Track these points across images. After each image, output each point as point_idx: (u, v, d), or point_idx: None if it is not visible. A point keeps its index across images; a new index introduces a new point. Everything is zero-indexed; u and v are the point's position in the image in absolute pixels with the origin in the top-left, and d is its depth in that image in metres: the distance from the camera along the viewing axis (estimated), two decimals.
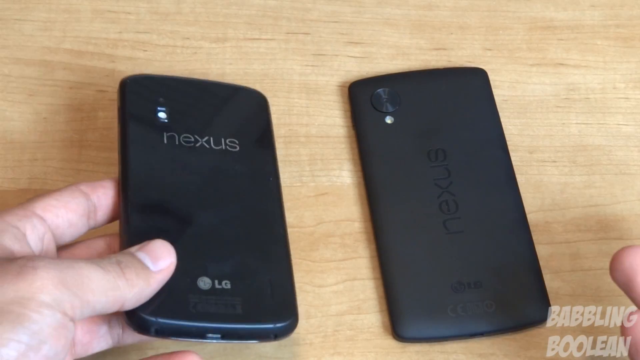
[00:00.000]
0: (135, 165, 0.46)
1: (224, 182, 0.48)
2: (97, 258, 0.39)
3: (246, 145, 0.49)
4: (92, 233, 0.45)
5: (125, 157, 0.47)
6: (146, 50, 0.56)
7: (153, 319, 0.41)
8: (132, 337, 0.43)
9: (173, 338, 0.42)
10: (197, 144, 0.48)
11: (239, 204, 0.47)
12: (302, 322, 0.47)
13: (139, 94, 0.49)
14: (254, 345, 0.46)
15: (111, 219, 0.45)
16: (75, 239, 0.43)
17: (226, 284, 0.43)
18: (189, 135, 0.48)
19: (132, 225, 0.44)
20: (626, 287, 0.41)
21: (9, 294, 0.34)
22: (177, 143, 0.48)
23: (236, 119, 0.51)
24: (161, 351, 0.45)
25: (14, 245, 0.38)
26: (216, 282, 0.43)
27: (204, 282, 0.43)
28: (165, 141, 0.48)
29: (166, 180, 0.46)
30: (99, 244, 0.44)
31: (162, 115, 0.49)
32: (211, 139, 0.49)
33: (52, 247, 0.41)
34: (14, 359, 0.33)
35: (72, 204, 0.42)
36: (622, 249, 0.41)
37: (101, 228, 0.45)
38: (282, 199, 0.48)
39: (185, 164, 0.47)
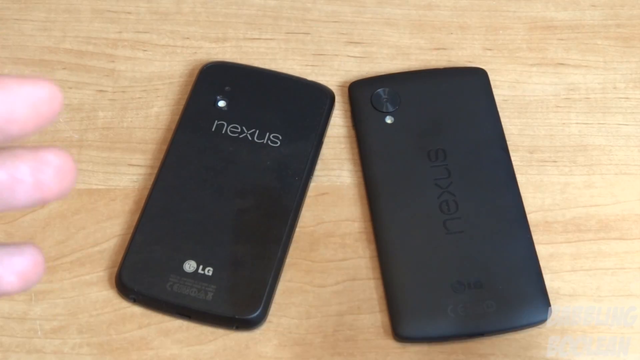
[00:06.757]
0: (174, 148, 0.51)
1: (247, 175, 0.50)
2: None
3: (288, 141, 0.51)
4: None
5: (171, 139, 0.51)
6: (146, 50, 0.56)
7: (132, 287, 0.46)
8: None
9: (148, 308, 0.46)
10: (241, 135, 0.51)
11: (252, 198, 0.49)
12: (302, 322, 0.47)
13: (209, 81, 0.53)
14: (254, 345, 0.46)
15: None
16: None
17: (208, 271, 0.46)
18: (237, 126, 0.51)
19: (152, 198, 0.49)
20: None
21: None
22: (222, 132, 0.51)
23: (289, 115, 0.52)
24: (160, 352, 0.46)
25: None
26: (200, 267, 0.46)
27: (190, 265, 0.47)
28: (214, 129, 0.51)
29: (195, 166, 0.50)
30: None
31: (221, 103, 0.52)
32: (257, 132, 0.51)
33: None
34: None
35: None
36: None
37: None
38: (301, 200, 0.50)
39: (220, 153, 0.50)
